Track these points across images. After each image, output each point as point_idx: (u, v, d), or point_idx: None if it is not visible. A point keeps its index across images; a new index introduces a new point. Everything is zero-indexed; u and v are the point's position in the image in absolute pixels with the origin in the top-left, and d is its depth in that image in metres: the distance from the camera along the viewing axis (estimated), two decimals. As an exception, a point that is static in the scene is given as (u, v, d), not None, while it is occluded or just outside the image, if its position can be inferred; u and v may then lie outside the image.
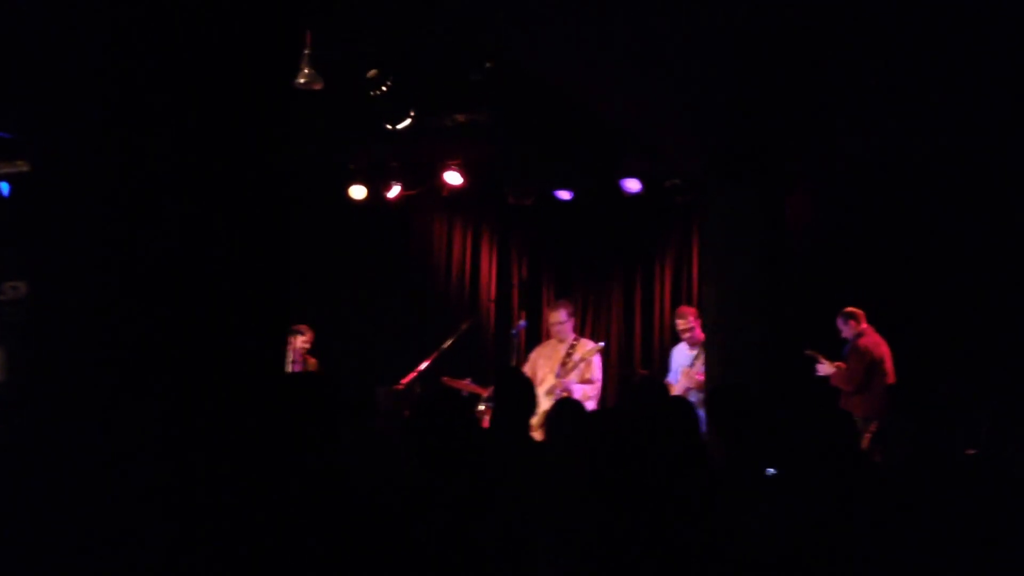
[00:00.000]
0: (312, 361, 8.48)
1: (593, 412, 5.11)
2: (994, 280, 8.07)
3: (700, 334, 8.00)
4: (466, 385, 7.88)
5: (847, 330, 7.89)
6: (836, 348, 7.99)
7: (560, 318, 7.97)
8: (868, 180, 8.44)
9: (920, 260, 8.39)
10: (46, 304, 2.41)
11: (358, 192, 9.60)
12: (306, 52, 5.86)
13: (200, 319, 2.44)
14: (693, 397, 7.47)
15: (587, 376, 7.71)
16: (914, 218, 8.42)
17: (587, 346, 7.80)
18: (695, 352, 7.97)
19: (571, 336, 7.93)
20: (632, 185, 8.96)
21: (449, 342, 8.20)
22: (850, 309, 7.91)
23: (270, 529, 2.44)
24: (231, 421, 2.42)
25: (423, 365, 7.96)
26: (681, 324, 8.16)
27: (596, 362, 7.77)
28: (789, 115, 6.29)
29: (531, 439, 4.67)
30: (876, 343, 7.76)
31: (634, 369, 9.33)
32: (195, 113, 2.49)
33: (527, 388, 4.82)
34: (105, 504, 2.30)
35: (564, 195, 9.23)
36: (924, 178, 8.22)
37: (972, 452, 4.75)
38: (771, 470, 5.89)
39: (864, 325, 7.84)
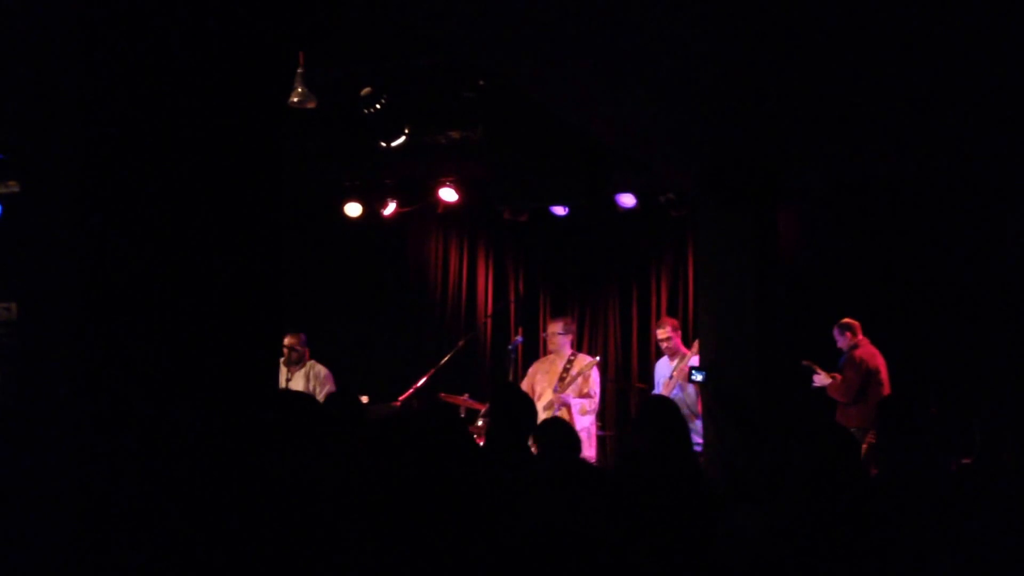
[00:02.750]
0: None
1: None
2: (984, 291, 8.09)
3: (679, 344, 8.13)
4: (464, 401, 7.90)
5: (843, 341, 7.92)
6: (832, 359, 8.01)
7: (558, 330, 8.04)
8: (860, 194, 8.46)
9: (911, 272, 8.40)
10: (35, 324, 2.42)
11: (354, 210, 9.64)
12: (299, 71, 5.89)
13: (194, 336, 2.45)
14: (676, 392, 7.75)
15: (585, 391, 7.72)
16: (905, 232, 8.44)
17: (584, 360, 7.83)
18: (675, 363, 8.06)
19: (568, 350, 7.95)
20: (627, 200, 8.99)
21: (446, 358, 8.22)
22: (846, 320, 7.94)
23: (251, 543, 2.44)
24: (219, 436, 2.43)
25: (421, 381, 7.97)
26: (660, 333, 8.25)
27: (594, 376, 7.79)
28: (778, 132, 6.30)
29: (529, 454, 4.66)
30: (872, 354, 7.78)
31: (631, 383, 9.34)
32: (187, 132, 2.51)
33: (524, 403, 4.82)
34: (90, 519, 2.31)
35: (559, 210, 9.25)
36: (913, 192, 8.24)
37: (967, 461, 4.76)
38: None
39: (860, 336, 7.87)
